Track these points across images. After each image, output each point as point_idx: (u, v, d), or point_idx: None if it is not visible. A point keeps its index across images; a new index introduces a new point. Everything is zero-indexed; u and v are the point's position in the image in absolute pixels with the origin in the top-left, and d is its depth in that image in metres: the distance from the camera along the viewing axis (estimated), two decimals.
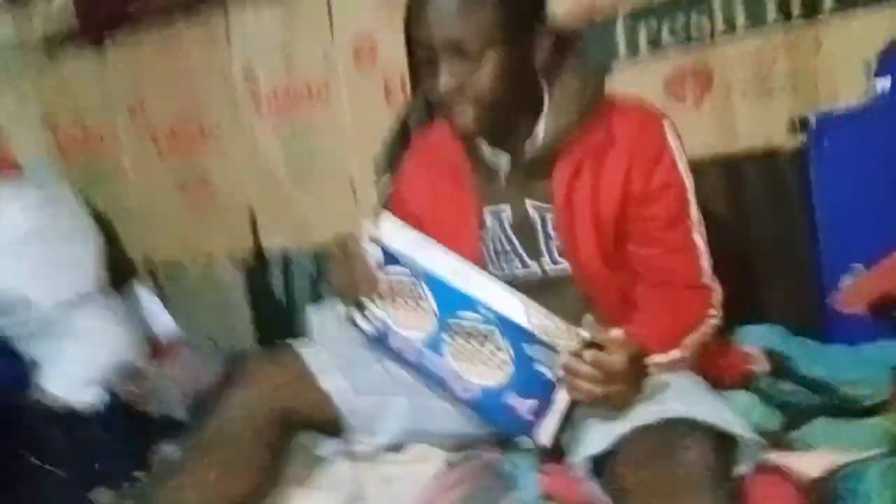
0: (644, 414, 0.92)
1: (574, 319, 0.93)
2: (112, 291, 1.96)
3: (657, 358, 0.99)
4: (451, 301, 1.01)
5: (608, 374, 0.90)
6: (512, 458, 1.07)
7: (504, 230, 1.12)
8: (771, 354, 1.27)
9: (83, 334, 1.79)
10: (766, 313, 1.43)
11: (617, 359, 0.89)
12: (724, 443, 0.91)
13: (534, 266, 1.11)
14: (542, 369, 0.95)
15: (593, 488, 0.95)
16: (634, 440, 0.90)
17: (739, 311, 1.15)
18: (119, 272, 2.06)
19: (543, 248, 1.10)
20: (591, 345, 0.90)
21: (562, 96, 1.07)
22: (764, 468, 0.96)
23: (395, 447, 1.11)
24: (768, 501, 0.93)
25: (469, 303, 0.99)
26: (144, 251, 2.28)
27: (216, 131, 2.10)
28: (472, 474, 1.05)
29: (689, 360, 1.04)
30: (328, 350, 1.12)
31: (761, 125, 1.46)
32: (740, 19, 1.46)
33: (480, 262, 1.10)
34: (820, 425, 1.11)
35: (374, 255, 1.04)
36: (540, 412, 0.97)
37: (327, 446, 1.13)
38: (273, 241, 2.07)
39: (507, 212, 1.11)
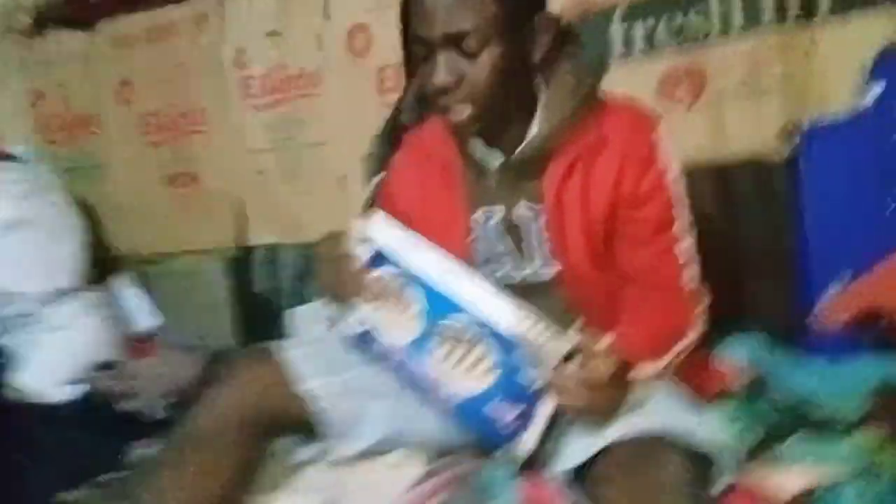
0: (624, 427, 0.91)
1: (562, 322, 0.93)
2: (94, 286, 1.93)
3: (642, 369, 0.98)
4: (439, 304, 1.00)
5: (594, 383, 0.89)
6: (491, 467, 1.06)
7: (494, 230, 1.10)
8: (750, 369, 1.27)
9: (62, 329, 1.77)
10: (752, 318, 1.43)
11: (603, 368, 0.89)
12: (701, 459, 0.91)
13: (523, 267, 1.10)
14: (528, 377, 0.94)
15: (571, 500, 0.95)
16: (613, 453, 0.90)
17: (724, 318, 1.14)
18: (102, 266, 2.04)
19: (534, 248, 1.09)
20: (578, 351, 0.89)
21: (557, 94, 1.05)
22: (741, 486, 0.96)
23: (375, 452, 1.10)
24: None
25: (457, 306, 0.98)
26: (129, 245, 2.26)
27: (204, 119, 2.07)
28: (450, 483, 1.05)
29: (672, 368, 1.03)
30: (310, 351, 1.10)
31: (752, 130, 1.46)
32: (737, 20, 1.45)
33: (470, 262, 1.08)
34: (798, 443, 1.11)
35: (362, 255, 1.03)
36: (522, 420, 0.96)
37: (306, 450, 1.12)
38: (261, 239, 2.06)
39: (498, 211, 1.10)
